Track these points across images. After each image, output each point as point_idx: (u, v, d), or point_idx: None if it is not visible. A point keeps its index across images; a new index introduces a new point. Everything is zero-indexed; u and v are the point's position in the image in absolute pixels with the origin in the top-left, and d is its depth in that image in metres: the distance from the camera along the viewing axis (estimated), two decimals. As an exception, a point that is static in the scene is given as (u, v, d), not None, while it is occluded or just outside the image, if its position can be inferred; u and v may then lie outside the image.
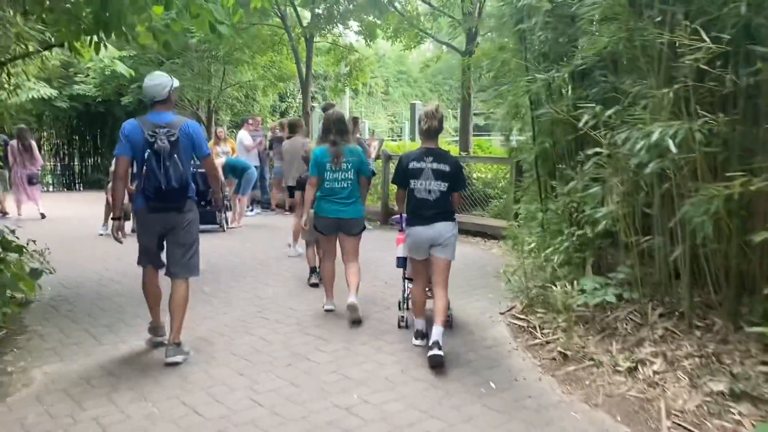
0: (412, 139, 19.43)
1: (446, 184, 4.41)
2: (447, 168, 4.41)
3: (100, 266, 7.49)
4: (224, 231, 10.04)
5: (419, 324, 4.72)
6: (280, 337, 4.91)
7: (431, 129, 4.47)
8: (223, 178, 10.08)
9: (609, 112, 3.73)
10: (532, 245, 5.05)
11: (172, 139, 4.19)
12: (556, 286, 4.83)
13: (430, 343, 4.28)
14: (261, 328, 5.14)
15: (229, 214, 10.77)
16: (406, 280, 5.21)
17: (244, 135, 11.76)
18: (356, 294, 5.24)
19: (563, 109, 4.53)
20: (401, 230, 5.10)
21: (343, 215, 5.29)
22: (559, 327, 4.66)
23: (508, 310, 5.57)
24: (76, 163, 20.33)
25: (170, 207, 4.28)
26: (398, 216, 5.24)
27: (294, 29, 13.19)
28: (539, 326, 4.93)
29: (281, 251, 8.32)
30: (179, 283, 4.45)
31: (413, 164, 4.45)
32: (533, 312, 5.23)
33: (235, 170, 10.55)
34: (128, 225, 6.27)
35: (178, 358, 4.35)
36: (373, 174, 9.42)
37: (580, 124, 3.85)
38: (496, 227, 8.92)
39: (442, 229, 4.44)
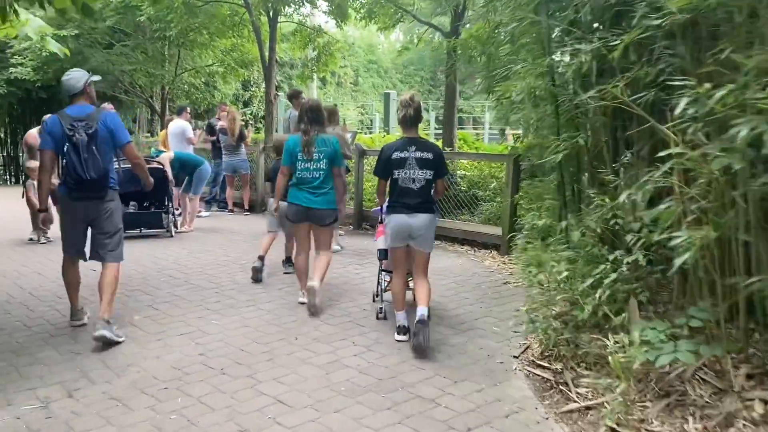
0: (386, 132, 18.14)
1: (431, 172, 4.45)
2: (430, 156, 4.46)
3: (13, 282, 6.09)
4: (172, 236, 8.64)
5: (401, 318, 4.59)
6: (226, 400, 3.61)
7: (407, 117, 4.48)
8: (171, 174, 8.69)
9: (720, 93, 2.49)
10: (564, 273, 3.83)
11: (90, 131, 4.40)
12: (599, 332, 3.63)
13: (416, 320, 4.25)
14: (201, 385, 3.83)
15: (180, 217, 9.37)
16: (383, 272, 5.20)
17: (185, 125, 10.19)
18: (320, 281, 5.18)
19: (617, 92, 3.27)
20: (381, 222, 5.06)
21: (313, 204, 5.19)
22: (604, 386, 3.46)
23: (522, 352, 4.36)
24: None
25: (91, 196, 4.52)
26: (377, 208, 5.24)
27: (255, 7, 11.76)
28: (572, 381, 3.72)
29: (239, 264, 6.98)
30: (107, 266, 4.65)
31: (396, 154, 4.45)
32: (559, 357, 4.03)
33: (185, 166, 9.12)
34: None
35: (106, 333, 4.40)
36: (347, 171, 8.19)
37: (678, 111, 2.60)
38: (488, 235, 7.71)
39: (425, 220, 4.45)
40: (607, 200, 3.72)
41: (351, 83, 32.41)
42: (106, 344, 4.41)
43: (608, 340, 3.52)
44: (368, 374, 3.97)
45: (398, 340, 4.49)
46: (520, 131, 7.81)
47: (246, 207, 10.96)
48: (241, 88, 25.81)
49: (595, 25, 3.83)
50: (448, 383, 3.84)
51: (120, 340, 4.49)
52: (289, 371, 4.02)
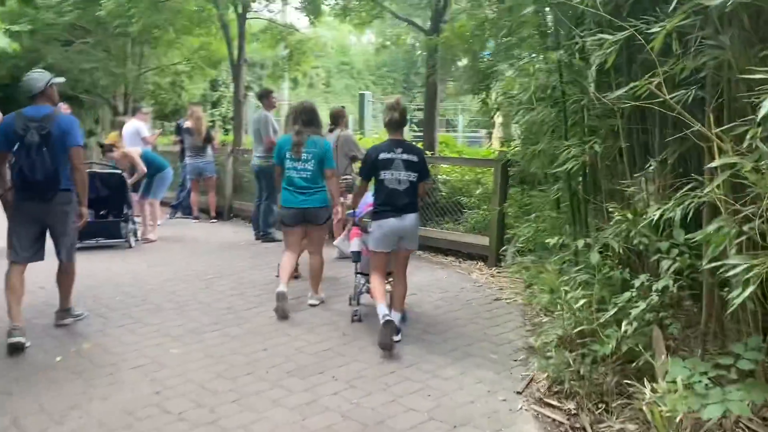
0: (362, 134, 17.55)
1: (416, 175, 4.54)
2: (416, 158, 4.55)
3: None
4: (131, 247, 7.96)
5: (382, 309, 4.39)
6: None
7: (392, 121, 4.56)
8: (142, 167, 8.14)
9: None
10: (581, 301, 3.29)
11: (43, 132, 4.36)
12: (620, 367, 3.11)
13: (386, 319, 4.27)
14: (153, 435, 3.23)
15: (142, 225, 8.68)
16: (359, 275, 5.18)
17: (140, 125, 9.48)
18: (316, 292, 5.50)
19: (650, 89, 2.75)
20: (356, 224, 5.22)
21: (305, 205, 5.24)
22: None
23: (526, 386, 3.83)
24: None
25: (39, 197, 4.48)
26: (351, 211, 5.31)
27: (224, 2, 11.10)
28: (591, 426, 3.20)
29: (203, 279, 6.35)
30: (64, 265, 4.78)
31: (383, 155, 4.50)
32: (570, 393, 3.51)
33: (148, 168, 8.42)
34: None
35: (68, 321, 4.86)
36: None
37: (762, 113, 2.08)
38: (474, 245, 7.19)
39: (413, 220, 4.56)
40: (629, 216, 3.21)
41: (323, 84, 31.79)
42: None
43: (634, 379, 2.99)
44: (352, 418, 3.40)
45: (386, 321, 4.34)
46: (506, 134, 7.32)
47: (212, 214, 10.27)
48: (209, 88, 25.04)
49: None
50: (446, 429, 3.29)
51: (81, 314, 4.99)
52: (259, 416, 3.43)
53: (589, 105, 3.59)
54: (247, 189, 10.66)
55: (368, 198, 5.00)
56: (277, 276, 5.77)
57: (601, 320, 3.15)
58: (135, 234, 8.22)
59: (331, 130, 7.29)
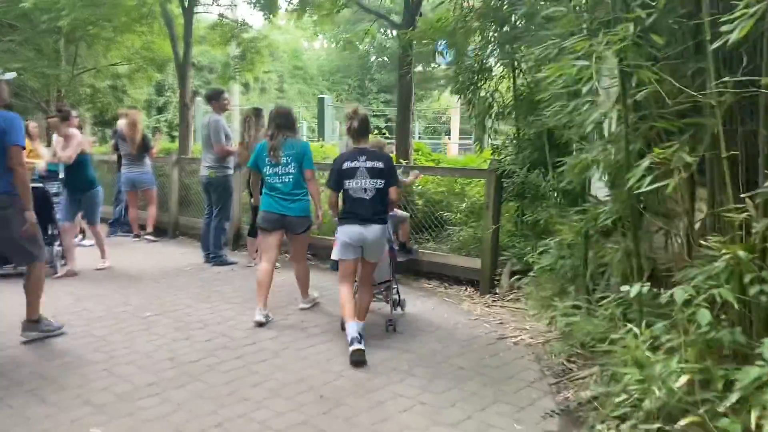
0: (322, 139, 16.49)
1: (382, 182, 4.45)
2: (381, 165, 4.46)
3: None
4: (56, 273, 6.69)
5: (352, 329, 4.29)
6: None
7: (352, 129, 4.52)
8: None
9: None
10: (683, 378, 2.31)
11: None
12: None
13: (350, 338, 4.24)
14: None
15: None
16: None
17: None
18: (305, 296, 5.51)
19: None
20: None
21: (288, 212, 5.11)
22: None
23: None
24: None
25: None
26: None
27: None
28: None
29: (140, 317, 5.20)
30: (28, 269, 4.60)
31: (347, 164, 4.45)
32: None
33: (76, 183, 6.99)
34: None
35: (33, 335, 4.56)
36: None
37: None
38: (462, 268, 6.21)
39: (378, 232, 4.46)
40: (740, 254, 2.26)
41: (276, 89, 30.59)
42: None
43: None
44: None
45: (354, 350, 4.20)
46: (499, 141, 6.39)
47: (149, 229, 8.97)
48: (154, 92, 23.59)
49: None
50: None
51: (57, 329, 4.72)
52: None
53: (668, 99, 2.64)
54: (196, 203, 9.47)
55: None
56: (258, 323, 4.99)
57: (720, 408, 2.17)
58: (63, 256, 6.93)
59: None
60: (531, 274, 4.71)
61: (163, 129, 23.33)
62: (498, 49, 5.62)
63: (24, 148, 4.31)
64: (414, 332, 4.89)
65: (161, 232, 9.51)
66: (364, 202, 4.41)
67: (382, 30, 34.69)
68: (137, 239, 8.90)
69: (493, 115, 6.05)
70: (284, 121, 5.16)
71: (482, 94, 6.09)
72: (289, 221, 5.11)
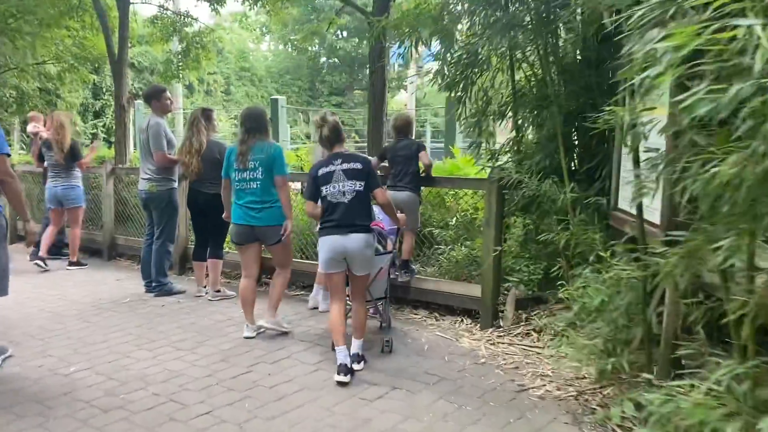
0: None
1: (361, 183, 4.12)
2: (359, 166, 4.15)
3: None
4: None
5: (342, 355, 3.97)
6: None
7: (323, 138, 4.31)
8: None
9: None
10: None
11: None
12: None
13: (338, 364, 3.95)
14: None
15: None
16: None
17: None
18: (272, 315, 4.90)
19: None
20: None
21: (255, 222, 4.74)
22: None
23: None
24: None
25: None
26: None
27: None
28: None
29: (66, 377, 4.05)
30: None
31: (322, 170, 4.18)
32: None
33: None
34: None
35: None
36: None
37: None
38: (457, 296, 5.25)
39: (360, 241, 4.07)
40: None
41: (222, 92, 29.21)
42: None
43: None
44: None
45: (339, 382, 3.88)
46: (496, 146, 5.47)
47: (72, 258, 7.64)
48: (91, 95, 21.98)
49: None
50: None
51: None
52: None
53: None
54: (136, 219, 8.26)
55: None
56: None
57: None
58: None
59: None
60: (554, 307, 3.79)
61: (100, 135, 21.77)
62: (496, 37, 4.69)
63: (9, 156, 4.00)
64: (413, 384, 3.90)
65: (95, 252, 8.29)
66: (342, 206, 4.08)
67: (332, 31, 34.01)
68: (41, 264, 7.44)
69: (490, 115, 5.12)
70: (255, 124, 4.80)
71: (475, 89, 5.15)
72: (259, 232, 4.77)
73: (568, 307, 4.84)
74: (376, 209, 4.66)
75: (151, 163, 6.01)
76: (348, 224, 4.06)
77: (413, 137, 5.67)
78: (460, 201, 6.06)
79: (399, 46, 5.74)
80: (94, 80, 20.46)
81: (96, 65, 14.90)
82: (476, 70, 5.05)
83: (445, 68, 5.28)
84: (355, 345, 4.18)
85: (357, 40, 33.25)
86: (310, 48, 34.87)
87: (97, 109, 22.49)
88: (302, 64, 34.83)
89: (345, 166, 4.14)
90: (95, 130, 21.96)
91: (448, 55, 5.14)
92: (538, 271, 4.76)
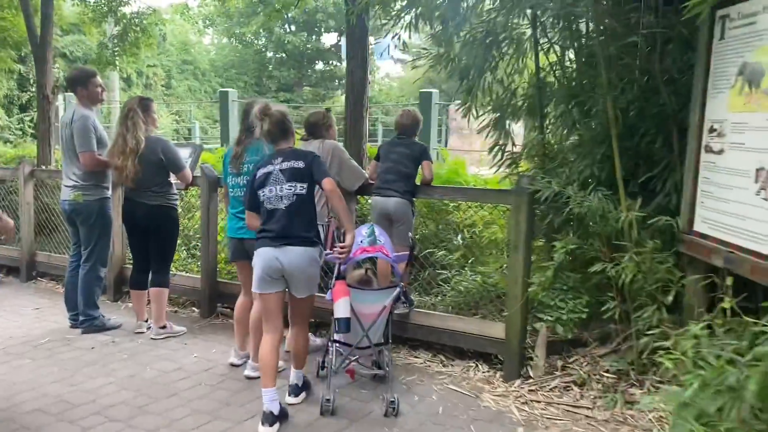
0: (223, 141, 14.00)
1: (303, 185, 3.41)
2: (301, 164, 3.44)
3: None
4: None
5: (269, 399, 3.32)
6: None
7: (263, 132, 3.59)
8: None
9: None
10: None
11: None
12: None
13: (264, 409, 3.32)
14: None
15: None
16: (336, 343, 3.64)
17: None
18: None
19: None
20: (338, 277, 3.48)
21: (242, 234, 4.01)
22: None
23: None
24: None
25: None
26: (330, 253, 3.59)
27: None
28: None
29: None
30: None
31: (260, 171, 3.50)
32: None
33: None
34: None
35: None
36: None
37: None
38: (471, 336, 4.18)
39: (299, 256, 3.36)
40: None
41: (162, 86, 27.46)
42: None
43: None
44: None
45: None
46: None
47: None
48: (16, 87, 20.06)
49: None
50: None
51: None
52: None
53: None
54: (61, 231, 6.91)
55: (362, 234, 3.68)
56: None
57: None
58: None
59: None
60: (595, 351, 2.80)
61: (27, 131, 19.87)
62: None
63: None
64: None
65: (11, 271, 6.90)
66: (278, 213, 3.40)
67: (279, 24, 32.57)
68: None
69: (512, 110, 4.11)
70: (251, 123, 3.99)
71: (493, 78, 4.12)
72: (250, 246, 3.75)
73: (615, 351, 3.90)
74: (377, 230, 3.55)
75: (77, 167, 4.75)
76: (284, 235, 3.38)
77: (417, 139, 4.61)
78: (465, 213, 4.99)
79: (389, 25, 4.63)
80: (20, 70, 18.68)
81: (21, 53, 13.28)
82: (496, 52, 4.01)
83: (453, 51, 4.24)
84: (293, 375, 3.66)
85: (306, 34, 32.04)
86: (256, 42, 33.57)
87: (23, 102, 20.54)
88: (248, 58, 33.51)
89: (285, 165, 3.45)
90: (21, 125, 20.05)
91: (460, 33, 4.07)
92: (579, 307, 3.75)
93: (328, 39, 33.73)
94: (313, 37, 32.91)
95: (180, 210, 5.23)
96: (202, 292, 5.30)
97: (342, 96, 36.70)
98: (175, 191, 4.88)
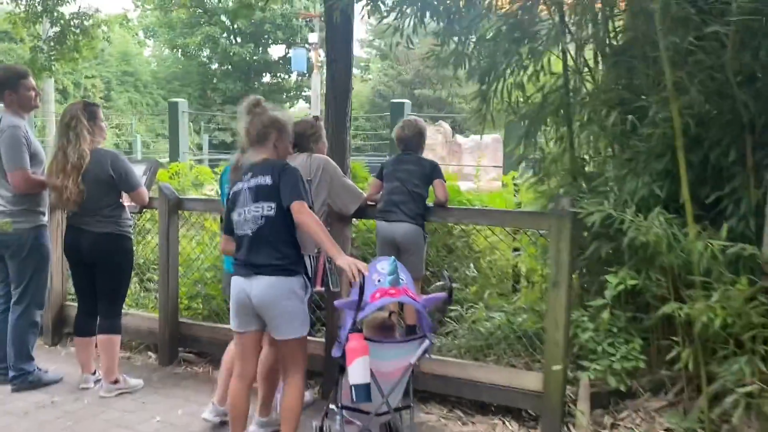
0: (174, 157, 13.01)
1: (272, 205, 2.84)
2: (268, 180, 2.87)
3: None
4: None
5: None
6: None
7: (245, 135, 3.08)
8: None
9: None
10: None
11: None
12: None
13: None
14: None
15: None
16: (343, 409, 2.81)
17: None
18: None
19: None
20: (353, 330, 2.60)
21: None
22: None
23: None
24: None
25: None
26: (344, 301, 2.75)
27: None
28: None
29: None
30: None
31: (234, 189, 3.00)
32: None
33: None
34: None
35: None
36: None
37: None
38: (498, 388, 3.48)
39: (269, 287, 2.81)
40: None
41: (101, 97, 26.07)
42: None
43: None
44: None
45: None
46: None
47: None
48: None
49: None
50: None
51: None
52: None
53: None
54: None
55: (379, 271, 2.74)
56: None
57: None
58: None
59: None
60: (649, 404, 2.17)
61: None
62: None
63: None
64: None
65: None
66: (246, 240, 2.90)
67: (225, 35, 31.53)
68: None
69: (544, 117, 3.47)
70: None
71: (520, 79, 3.48)
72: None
73: (672, 404, 3.28)
74: (402, 272, 2.80)
75: (5, 188, 3.86)
76: (251, 263, 2.86)
77: (422, 153, 3.93)
78: (470, 237, 4.29)
79: (389, 18, 3.94)
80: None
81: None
82: (524, 48, 3.37)
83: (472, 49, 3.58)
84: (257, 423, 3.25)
85: (253, 45, 31.16)
86: (200, 53, 32.44)
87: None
88: (192, 70, 32.42)
89: (253, 182, 2.92)
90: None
91: (481, 27, 3.42)
92: (633, 353, 3.11)
93: (276, 51, 32.98)
94: (260, 48, 32.05)
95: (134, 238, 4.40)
96: (161, 334, 4.44)
97: (292, 109, 35.97)
98: (129, 216, 4.04)
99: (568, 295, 3.18)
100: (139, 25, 32.50)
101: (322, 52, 27.59)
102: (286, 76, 34.15)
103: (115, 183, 3.85)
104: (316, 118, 3.94)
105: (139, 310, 4.90)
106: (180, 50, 32.09)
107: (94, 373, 4.07)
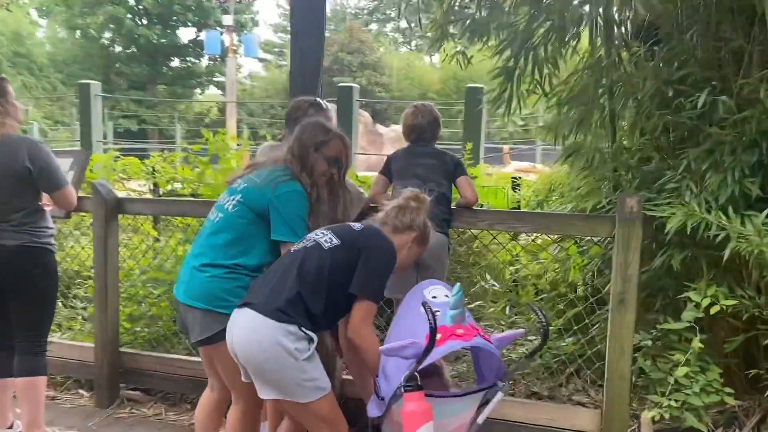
0: (85, 145, 11.60)
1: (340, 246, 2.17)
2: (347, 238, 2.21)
3: None
4: None
5: None
6: None
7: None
8: None
9: None
10: None
11: None
12: None
13: None
14: None
15: None
16: None
17: None
18: None
19: None
20: (412, 386, 1.90)
21: (180, 295, 2.54)
22: None
23: None
24: None
25: None
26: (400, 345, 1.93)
27: None
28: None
29: None
30: None
31: None
32: None
33: None
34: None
35: None
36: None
37: None
38: (537, 429, 2.85)
39: (250, 327, 2.08)
40: None
41: (-9, 81, 23.74)
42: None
43: None
44: None
45: None
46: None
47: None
48: None
49: None
50: None
51: None
52: None
53: None
54: None
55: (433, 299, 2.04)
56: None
57: None
58: None
59: None
60: None
61: None
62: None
63: None
64: None
65: None
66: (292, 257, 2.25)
67: (130, 15, 29.48)
68: None
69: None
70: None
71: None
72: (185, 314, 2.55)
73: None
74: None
75: None
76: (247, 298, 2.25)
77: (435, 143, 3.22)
78: (487, 245, 3.62)
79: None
80: None
81: None
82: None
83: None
84: None
85: (161, 27, 29.40)
86: (103, 35, 30.25)
87: None
88: (93, 53, 30.28)
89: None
90: None
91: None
92: (714, 386, 2.57)
93: (186, 33, 31.27)
94: (169, 31, 30.26)
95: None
96: (98, 368, 3.53)
97: (202, 95, 34.25)
98: (51, 223, 3.11)
99: (635, 317, 2.59)
100: (30, 2, 30.09)
101: (236, 36, 26.33)
102: (197, 61, 32.49)
103: (33, 179, 2.92)
104: (315, 100, 3.13)
105: (65, 337, 3.95)
106: (79, 31, 29.89)
107: (11, 426, 3.14)
